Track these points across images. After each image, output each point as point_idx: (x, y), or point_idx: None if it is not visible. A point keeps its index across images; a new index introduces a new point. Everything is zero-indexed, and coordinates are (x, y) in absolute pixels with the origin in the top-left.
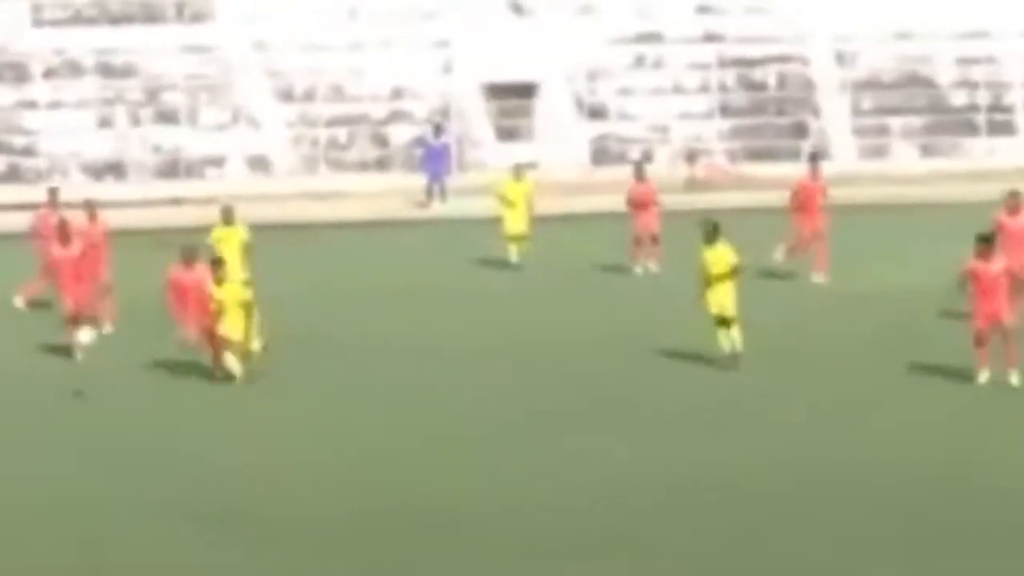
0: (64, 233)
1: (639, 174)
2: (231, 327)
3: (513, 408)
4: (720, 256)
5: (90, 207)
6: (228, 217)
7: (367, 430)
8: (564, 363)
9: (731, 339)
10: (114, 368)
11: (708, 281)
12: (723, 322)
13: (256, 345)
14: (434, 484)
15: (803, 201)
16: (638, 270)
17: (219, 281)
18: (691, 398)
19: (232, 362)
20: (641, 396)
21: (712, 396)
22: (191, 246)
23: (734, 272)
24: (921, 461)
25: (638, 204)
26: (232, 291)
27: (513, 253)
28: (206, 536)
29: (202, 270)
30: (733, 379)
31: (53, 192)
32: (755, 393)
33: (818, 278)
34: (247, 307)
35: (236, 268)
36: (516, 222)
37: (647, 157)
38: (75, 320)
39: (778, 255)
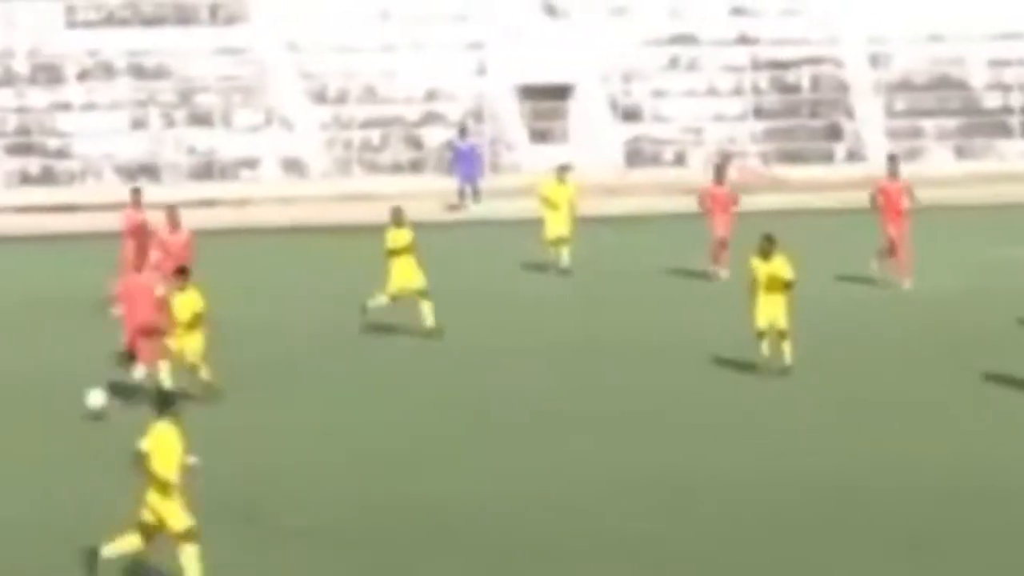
0: (174, 221)
1: (719, 176)
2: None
3: (531, 409)
4: (775, 270)
5: (172, 212)
6: (399, 219)
7: (386, 430)
8: (601, 367)
9: (780, 351)
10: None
11: (760, 294)
12: (764, 335)
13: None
14: (440, 484)
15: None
16: (722, 274)
17: (181, 289)
18: (709, 403)
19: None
20: (659, 400)
21: (730, 401)
22: None
23: (788, 287)
24: (940, 467)
25: (716, 207)
26: (189, 302)
27: (562, 257)
28: (208, 535)
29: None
30: (752, 385)
31: (136, 192)
32: (769, 399)
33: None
34: (199, 320)
35: (412, 270)
36: (558, 225)
37: (725, 158)
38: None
39: (873, 265)
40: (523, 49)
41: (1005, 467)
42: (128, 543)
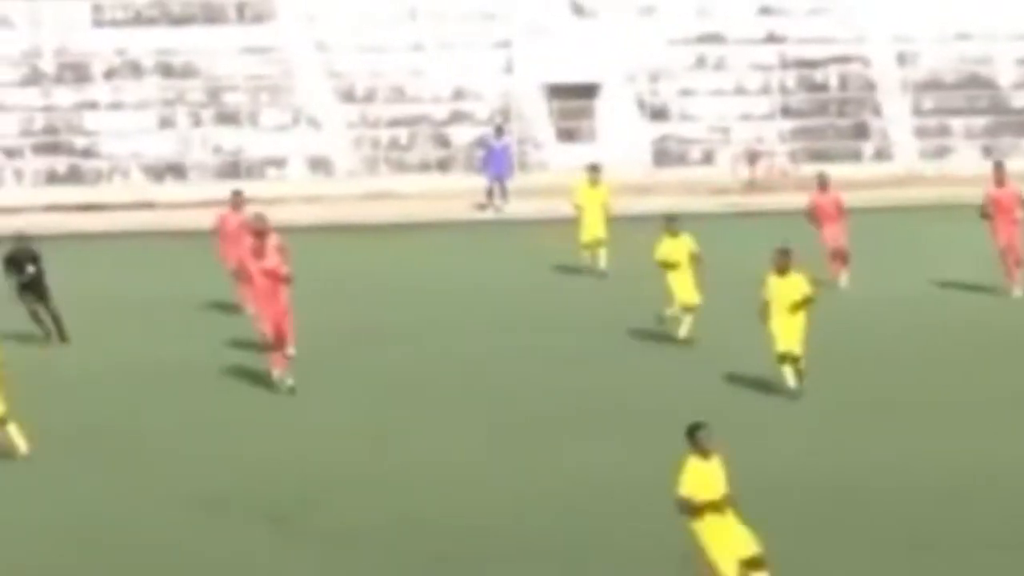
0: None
1: (822, 182)
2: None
3: (534, 411)
4: (792, 286)
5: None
6: (673, 228)
7: (408, 433)
8: (625, 367)
9: (796, 374)
10: (116, 365)
11: (776, 312)
12: (786, 359)
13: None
14: (462, 488)
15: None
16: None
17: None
18: (707, 405)
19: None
20: (658, 403)
21: (729, 403)
22: None
23: (806, 302)
24: (939, 467)
25: (824, 216)
26: None
27: (600, 258)
28: (206, 535)
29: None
30: (753, 386)
31: (237, 194)
32: (768, 400)
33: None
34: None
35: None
36: (592, 228)
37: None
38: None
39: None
40: (550, 48)
41: (1005, 466)
42: None
